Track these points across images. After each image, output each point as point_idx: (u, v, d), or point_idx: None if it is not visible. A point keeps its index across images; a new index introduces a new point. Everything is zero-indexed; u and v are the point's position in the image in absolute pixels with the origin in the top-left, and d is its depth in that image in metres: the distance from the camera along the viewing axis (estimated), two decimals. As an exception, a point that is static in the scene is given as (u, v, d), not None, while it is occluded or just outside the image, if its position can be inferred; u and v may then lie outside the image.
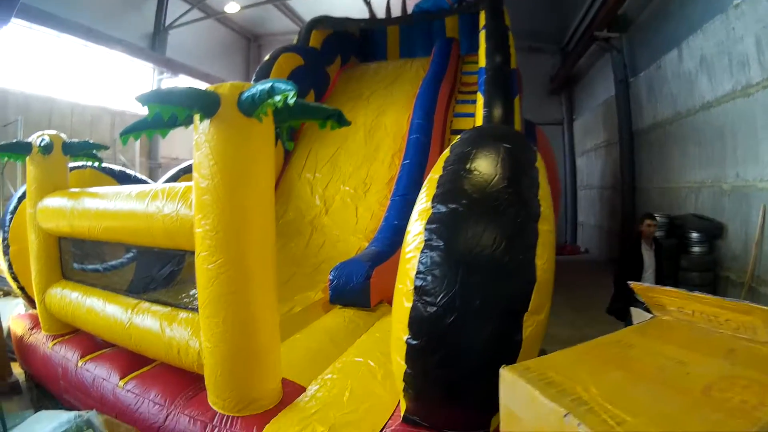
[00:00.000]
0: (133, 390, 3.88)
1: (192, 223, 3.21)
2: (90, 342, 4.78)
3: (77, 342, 4.83)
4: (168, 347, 3.63)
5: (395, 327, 2.72)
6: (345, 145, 8.80)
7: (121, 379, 4.05)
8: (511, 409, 1.90)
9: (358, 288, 5.14)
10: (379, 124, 9.00)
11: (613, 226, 15.79)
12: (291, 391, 3.50)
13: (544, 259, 2.51)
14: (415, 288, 2.51)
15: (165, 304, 3.90)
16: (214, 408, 3.32)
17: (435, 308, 2.43)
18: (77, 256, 4.98)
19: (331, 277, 5.30)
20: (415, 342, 2.51)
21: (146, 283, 4.23)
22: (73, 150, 5.29)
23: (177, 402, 3.56)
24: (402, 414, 2.83)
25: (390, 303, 5.31)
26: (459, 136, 3.41)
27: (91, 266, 4.94)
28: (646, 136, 13.23)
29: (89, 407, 3.79)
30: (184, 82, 17.12)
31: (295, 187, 8.62)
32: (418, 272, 2.53)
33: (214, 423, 3.24)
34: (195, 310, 3.47)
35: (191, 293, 3.58)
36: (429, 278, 2.48)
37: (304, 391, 3.50)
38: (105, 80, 15.50)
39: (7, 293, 7.40)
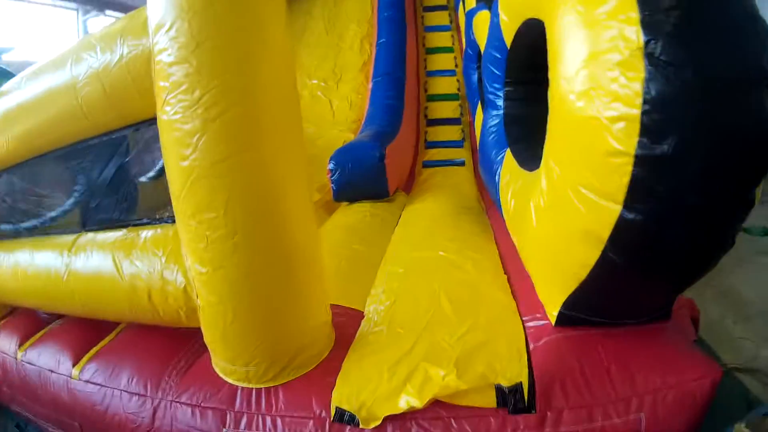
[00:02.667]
0: (94, 378, 2.43)
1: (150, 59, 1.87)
2: (31, 320, 3.28)
3: (13, 325, 3.33)
4: (131, 293, 2.24)
5: (574, 176, 1.72)
6: (303, 38, 7.88)
7: (74, 365, 2.58)
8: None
9: (370, 173, 4.18)
10: (339, 11, 8.12)
11: None
12: (342, 322, 2.31)
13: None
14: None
15: (115, 224, 2.50)
16: (230, 381, 2.06)
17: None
18: (4, 212, 3.46)
19: (330, 167, 4.24)
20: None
21: (89, 210, 2.79)
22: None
23: (165, 384, 2.19)
24: (554, 312, 2.00)
25: (406, 191, 4.53)
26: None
27: (25, 224, 3.38)
28: None
29: (43, 416, 2.61)
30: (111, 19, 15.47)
31: (254, 92, 7.46)
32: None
33: (237, 409, 2.01)
34: (166, 220, 2.19)
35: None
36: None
37: (362, 315, 2.41)
38: (28, 32, 13.71)
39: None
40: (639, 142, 1.39)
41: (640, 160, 1.40)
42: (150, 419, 2.13)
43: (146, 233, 2.27)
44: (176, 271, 2.09)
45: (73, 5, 15.37)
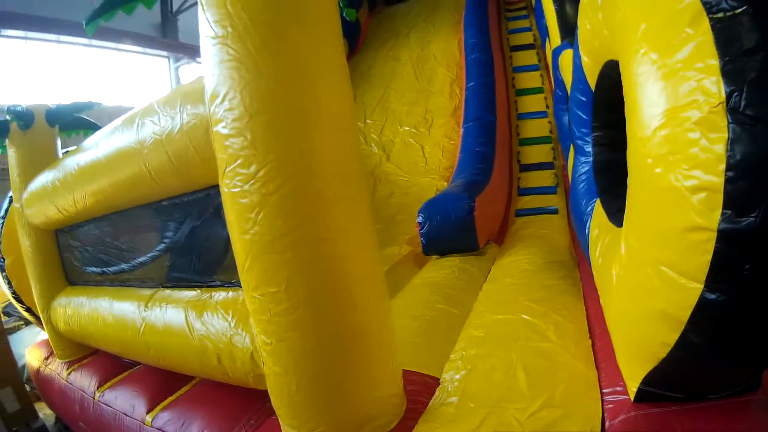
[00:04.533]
0: (166, 427, 2.53)
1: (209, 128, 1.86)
2: (111, 363, 3.49)
3: (95, 366, 3.58)
4: (201, 353, 2.26)
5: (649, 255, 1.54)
6: (393, 84, 7.94)
7: (148, 411, 2.71)
8: None
9: (460, 225, 4.05)
10: (427, 55, 8.14)
11: None
12: (416, 390, 2.21)
13: None
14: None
15: (190, 284, 2.52)
16: None
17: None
18: (88, 258, 3.65)
19: (420, 220, 4.17)
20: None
21: (168, 265, 2.84)
22: (60, 116, 4.03)
23: None
24: (633, 388, 1.82)
25: (498, 243, 4.39)
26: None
27: (113, 268, 3.55)
28: None
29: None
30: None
31: (345, 142, 7.57)
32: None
33: None
34: (237, 284, 2.13)
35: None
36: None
37: (438, 383, 2.28)
38: (120, 79, 14.63)
39: (27, 322, 6.19)
40: (722, 215, 1.20)
41: (723, 236, 1.21)
42: None
43: (218, 295, 2.28)
44: (245, 336, 2.07)
45: (164, 53, 16.34)
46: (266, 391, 2.01)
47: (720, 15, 1.19)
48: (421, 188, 6.04)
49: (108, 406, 2.99)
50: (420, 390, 2.21)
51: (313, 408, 1.86)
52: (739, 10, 1.17)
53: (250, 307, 1.87)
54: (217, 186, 1.91)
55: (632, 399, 1.80)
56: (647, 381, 1.73)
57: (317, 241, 1.71)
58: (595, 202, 2.77)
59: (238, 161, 1.69)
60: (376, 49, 8.75)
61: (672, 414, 1.72)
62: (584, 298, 2.89)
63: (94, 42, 13.69)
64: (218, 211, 2.22)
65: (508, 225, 5.00)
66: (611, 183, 2.73)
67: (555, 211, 5.01)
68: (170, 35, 16.33)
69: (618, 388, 1.90)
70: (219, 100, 1.71)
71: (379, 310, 1.93)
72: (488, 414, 1.93)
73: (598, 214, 2.66)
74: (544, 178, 5.57)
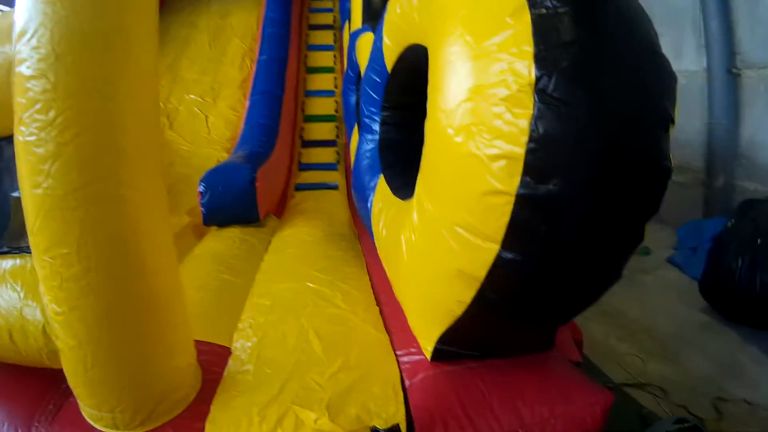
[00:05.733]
0: None
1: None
2: None
3: None
4: None
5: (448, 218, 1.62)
6: (187, 51, 7.58)
7: None
8: None
9: (241, 196, 4.04)
10: (225, 25, 7.89)
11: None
12: (209, 360, 2.13)
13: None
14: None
15: None
16: (98, 427, 1.83)
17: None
18: None
19: (201, 190, 4.03)
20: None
21: None
22: None
23: (36, 431, 1.97)
24: (429, 348, 1.92)
25: (277, 215, 4.41)
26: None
27: None
28: None
29: None
30: None
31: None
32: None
33: None
34: (26, 250, 1.90)
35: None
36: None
37: (229, 352, 2.23)
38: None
39: None
40: (522, 182, 1.32)
41: (521, 200, 1.34)
42: None
43: (5, 263, 2.01)
44: (35, 308, 1.87)
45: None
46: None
47: (542, 11, 1.32)
48: (202, 159, 5.82)
49: None
50: (213, 360, 2.14)
51: (110, 383, 1.72)
52: (562, 9, 1.30)
53: (40, 273, 1.67)
54: (8, 137, 1.71)
55: (429, 358, 1.90)
56: (443, 340, 1.83)
57: (112, 197, 1.58)
58: (378, 177, 2.91)
59: (37, 105, 1.50)
60: (176, 13, 8.24)
61: (472, 371, 1.84)
62: (367, 269, 3.01)
63: None
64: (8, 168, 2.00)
65: (287, 199, 5.02)
66: (396, 160, 2.89)
67: (335, 187, 5.12)
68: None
69: (412, 350, 1.99)
70: (27, 36, 1.50)
71: (170, 274, 1.84)
72: (287, 379, 1.93)
73: (381, 189, 2.78)
74: (326, 154, 5.68)
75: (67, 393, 1.92)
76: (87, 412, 1.82)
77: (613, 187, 1.35)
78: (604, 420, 1.78)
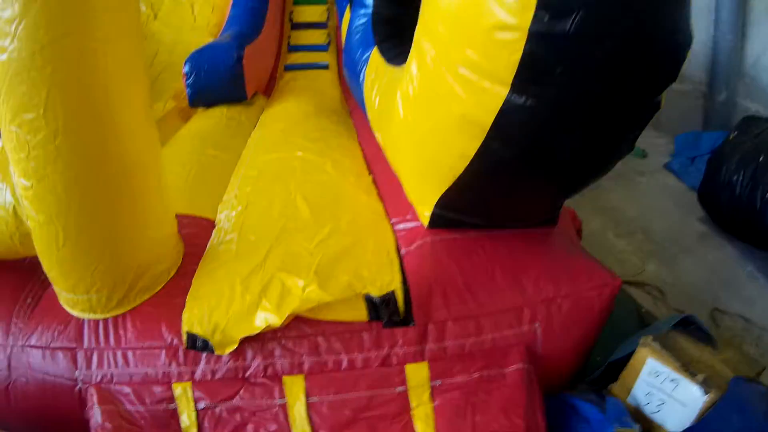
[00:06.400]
0: None
1: None
2: None
3: None
4: None
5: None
6: None
7: None
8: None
9: (228, 74, 3.83)
10: None
11: None
12: (192, 233, 2.00)
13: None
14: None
15: None
16: (75, 313, 1.73)
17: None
18: None
19: (186, 71, 3.82)
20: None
21: None
22: None
23: (15, 327, 1.80)
24: (427, 212, 1.78)
25: (267, 95, 4.26)
26: None
27: None
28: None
29: None
30: None
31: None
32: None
33: (87, 346, 1.70)
34: None
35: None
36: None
37: (213, 225, 2.10)
38: None
39: None
40: (535, 16, 1.12)
41: (534, 36, 1.14)
42: (6, 371, 1.73)
43: None
44: (5, 189, 1.75)
45: None
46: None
47: None
48: (187, 46, 5.21)
49: None
50: (195, 233, 2.00)
51: (84, 260, 1.61)
52: None
53: (8, 147, 1.54)
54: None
55: (426, 225, 1.78)
56: (442, 204, 1.70)
57: (81, 51, 1.43)
58: (371, 50, 2.75)
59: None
60: None
61: (473, 240, 1.72)
62: (360, 144, 2.86)
63: None
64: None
65: (276, 80, 4.80)
66: (390, 34, 2.73)
67: (326, 66, 4.88)
68: None
69: (408, 217, 1.87)
70: None
71: (146, 137, 1.69)
72: (273, 246, 1.81)
73: (374, 60, 2.63)
74: (317, 36, 5.39)
75: (45, 284, 1.82)
76: (63, 298, 1.73)
77: (635, 31, 1.17)
78: (611, 306, 1.68)
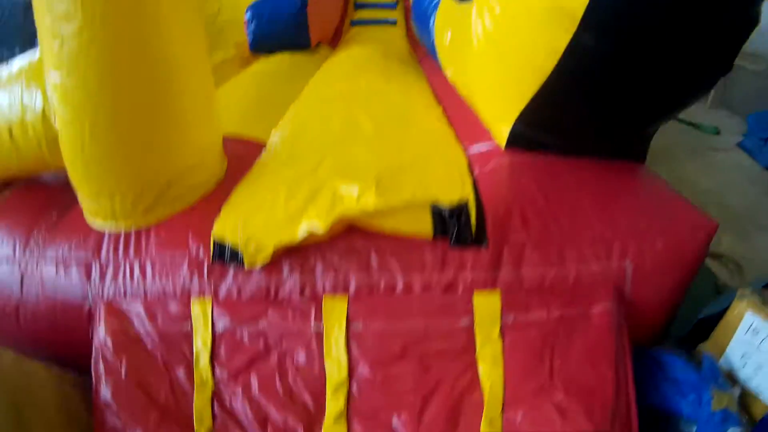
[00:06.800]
0: None
1: None
2: None
3: None
4: None
5: None
6: None
7: None
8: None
9: (291, 20, 3.68)
10: None
11: None
12: (240, 154, 1.79)
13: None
14: None
15: None
16: (97, 223, 1.58)
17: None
18: None
19: (248, 17, 3.73)
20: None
21: None
22: None
23: (33, 243, 1.67)
24: (506, 129, 1.57)
25: (333, 45, 4.11)
26: None
27: None
28: None
29: None
30: None
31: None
32: None
33: (103, 257, 1.53)
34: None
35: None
36: None
37: (263, 147, 1.89)
38: None
39: None
40: None
41: None
42: (19, 289, 1.60)
43: (19, 62, 1.82)
44: (36, 92, 1.67)
45: None
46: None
47: None
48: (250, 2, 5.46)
49: None
50: (245, 154, 1.81)
51: (111, 161, 1.48)
52: None
53: (42, 41, 1.44)
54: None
55: (503, 145, 1.59)
56: (524, 118, 1.51)
57: None
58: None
59: None
60: None
61: (557, 162, 1.52)
62: (430, 83, 2.66)
63: None
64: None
65: (342, 33, 4.62)
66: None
67: (393, 22, 4.73)
68: None
69: (482, 140, 1.67)
70: None
71: (192, 37, 1.56)
72: (327, 154, 1.63)
73: (444, 3, 2.46)
74: (384, -6, 5.28)
75: (73, 201, 1.68)
76: (86, 206, 1.60)
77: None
78: (706, 252, 1.45)
